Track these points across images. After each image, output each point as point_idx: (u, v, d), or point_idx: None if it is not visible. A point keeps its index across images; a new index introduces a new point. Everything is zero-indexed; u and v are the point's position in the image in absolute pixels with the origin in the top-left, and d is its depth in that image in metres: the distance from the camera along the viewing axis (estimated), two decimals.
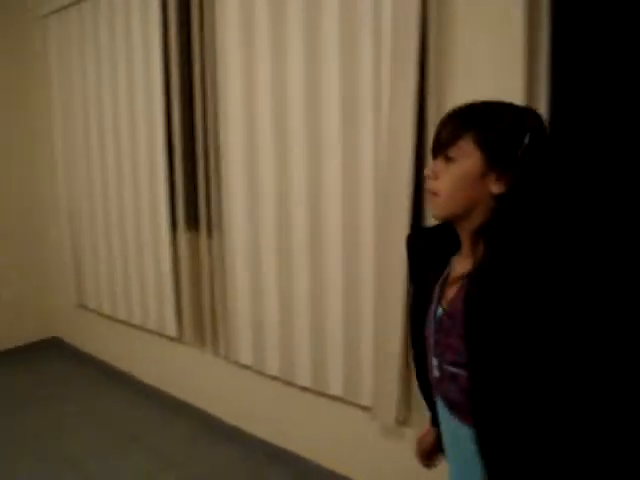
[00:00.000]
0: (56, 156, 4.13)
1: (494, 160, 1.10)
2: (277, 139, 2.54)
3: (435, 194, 1.16)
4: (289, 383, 2.74)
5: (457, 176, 1.12)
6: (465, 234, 1.18)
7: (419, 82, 2.01)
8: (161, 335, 3.44)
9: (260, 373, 2.89)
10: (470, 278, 1.13)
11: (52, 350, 4.58)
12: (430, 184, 1.17)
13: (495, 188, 1.10)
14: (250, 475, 2.85)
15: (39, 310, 4.60)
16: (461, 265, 1.20)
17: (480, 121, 1.12)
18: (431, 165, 1.18)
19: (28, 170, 4.46)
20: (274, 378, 2.82)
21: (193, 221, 3.11)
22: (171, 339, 3.39)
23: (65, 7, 3.76)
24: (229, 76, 2.72)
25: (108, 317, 3.89)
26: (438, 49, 2.01)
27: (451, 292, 1.19)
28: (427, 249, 1.31)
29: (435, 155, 1.17)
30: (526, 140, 1.08)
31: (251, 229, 2.74)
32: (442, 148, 1.15)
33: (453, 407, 1.22)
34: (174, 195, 3.15)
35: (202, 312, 3.14)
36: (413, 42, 1.98)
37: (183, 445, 3.13)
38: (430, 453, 1.51)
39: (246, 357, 2.91)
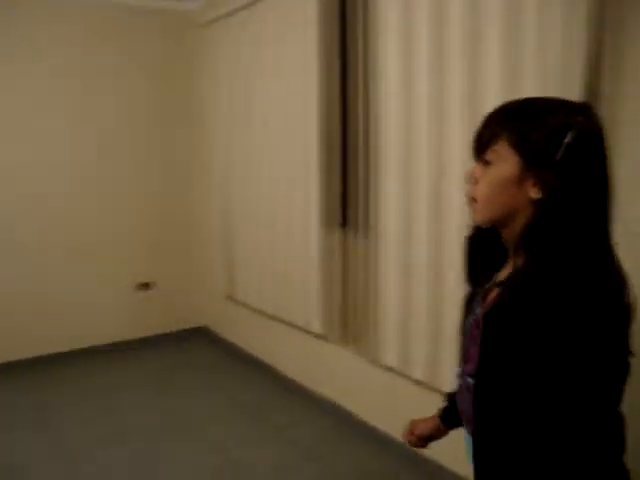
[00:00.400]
0: (214, 154, 4.38)
1: (531, 163, 1.01)
2: (433, 142, 2.50)
3: (473, 199, 1.10)
4: (434, 389, 2.71)
5: (493, 181, 1.05)
6: (507, 240, 1.11)
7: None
8: (307, 332, 3.52)
9: (404, 376, 2.87)
10: (502, 286, 1.08)
11: (200, 339, 4.85)
12: (468, 189, 1.11)
13: (533, 193, 1.02)
14: (386, 476, 2.87)
15: (191, 300, 4.89)
16: (504, 272, 1.13)
17: (516, 121, 1.04)
18: (470, 169, 1.12)
19: (186, 168, 4.75)
20: (418, 382, 2.79)
21: (344, 220, 3.16)
22: (316, 336, 3.46)
23: (228, 14, 3.95)
24: (385, 78, 2.71)
25: (255, 310, 4.05)
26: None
27: (489, 299, 1.13)
28: (484, 251, 1.22)
29: (475, 158, 1.11)
30: (567, 140, 0.98)
31: (403, 230, 2.72)
32: (479, 151, 1.09)
33: (465, 419, 1.21)
34: (326, 194, 3.22)
35: (348, 311, 3.18)
36: (580, 61, 1.90)
37: (325, 440, 3.19)
38: (422, 439, 1.51)
39: (391, 359, 2.90)
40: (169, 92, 4.58)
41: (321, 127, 3.18)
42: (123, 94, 4.37)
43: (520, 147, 1.02)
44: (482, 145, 1.08)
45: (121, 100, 4.37)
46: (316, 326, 3.38)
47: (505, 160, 1.04)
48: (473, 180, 1.10)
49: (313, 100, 3.19)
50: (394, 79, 2.66)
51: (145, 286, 4.65)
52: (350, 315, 3.16)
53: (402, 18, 2.58)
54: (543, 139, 1.00)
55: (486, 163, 1.07)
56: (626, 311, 0.97)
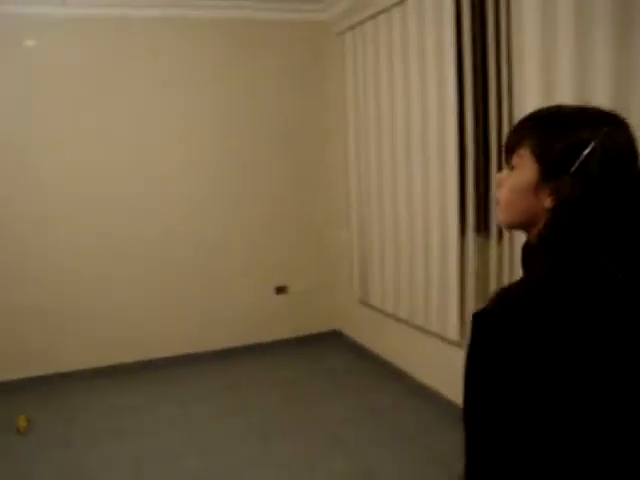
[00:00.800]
0: (348, 160, 4.45)
1: (549, 172, 1.01)
2: None
3: (497, 202, 1.13)
4: None
5: (514, 186, 1.07)
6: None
7: None
8: (442, 338, 3.49)
9: None
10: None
11: (333, 342, 4.93)
12: (496, 192, 1.15)
13: (547, 202, 1.02)
14: None
15: (325, 304, 5.01)
16: None
17: (541, 129, 1.04)
18: (500, 172, 1.15)
19: (322, 175, 4.88)
20: None
21: (483, 225, 3.11)
22: (451, 343, 3.42)
23: (361, 22, 4.03)
24: (525, 80, 2.62)
25: (389, 315, 4.07)
26: None
27: None
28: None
29: (505, 162, 1.13)
30: (585, 153, 0.97)
31: None
32: (506, 155, 1.11)
33: None
34: (464, 198, 3.18)
35: None
36: None
37: (459, 449, 3.14)
38: None
39: None
40: (304, 100, 4.73)
41: (458, 132, 3.15)
42: (257, 102, 4.58)
43: (540, 155, 1.03)
44: (509, 150, 1.10)
45: (254, 108, 4.58)
46: (452, 333, 3.34)
47: (526, 167, 1.05)
48: (499, 183, 1.13)
49: (450, 100, 3.16)
50: (534, 83, 2.57)
51: (282, 289, 4.82)
52: None
53: (543, 20, 2.50)
54: (562, 149, 1.00)
55: (512, 168, 1.09)
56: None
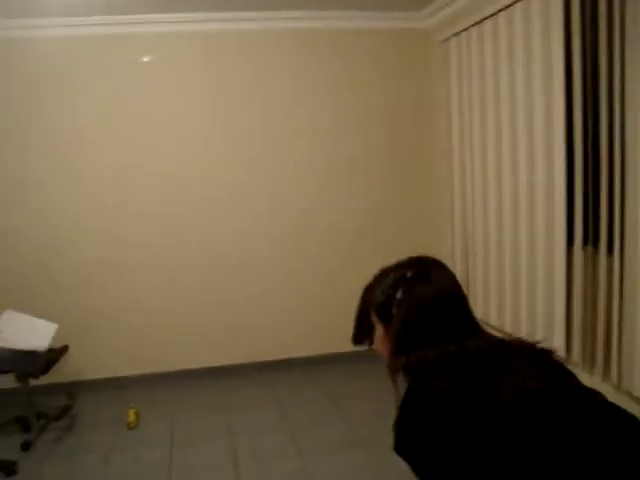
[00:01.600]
0: (453, 170, 4.43)
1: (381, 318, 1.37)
2: None
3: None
4: None
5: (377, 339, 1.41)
6: None
7: None
8: None
9: None
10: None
11: None
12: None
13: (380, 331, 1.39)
14: None
15: None
16: None
17: (372, 295, 1.41)
18: None
19: (425, 185, 4.88)
20: None
21: (592, 237, 3.01)
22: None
23: (466, 29, 4.02)
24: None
25: (493, 327, 4.01)
26: None
27: None
28: None
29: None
30: (398, 296, 1.32)
31: None
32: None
33: None
34: (572, 209, 3.08)
35: (595, 334, 3.00)
36: None
37: None
38: None
39: (638, 387, 2.70)
40: (406, 105, 4.77)
41: (566, 143, 3.07)
42: (364, 109, 4.69)
43: (376, 312, 1.39)
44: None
45: (361, 115, 4.69)
46: (558, 346, 3.25)
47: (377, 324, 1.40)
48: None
49: (558, 113, 3.10)
50: None
51: None
52: (598, 338, 2.97)
53: None
54: (381, 294, 1.36)
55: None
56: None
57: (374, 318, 1.38)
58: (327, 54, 4.60)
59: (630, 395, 2.76)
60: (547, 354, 1.34)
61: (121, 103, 4.34)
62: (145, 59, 4.29)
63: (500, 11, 3.55)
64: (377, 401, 3.98)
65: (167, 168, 4.46)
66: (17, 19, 3.97)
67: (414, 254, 1.47)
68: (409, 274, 1.34)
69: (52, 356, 3.78)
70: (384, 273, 1.40)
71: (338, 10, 4.44)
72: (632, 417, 1.24)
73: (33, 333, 3.71)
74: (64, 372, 3.93)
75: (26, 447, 3.55)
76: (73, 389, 4.17)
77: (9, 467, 3.29)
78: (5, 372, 3.64)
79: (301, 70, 4.58)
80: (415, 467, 1.21)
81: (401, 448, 1.24)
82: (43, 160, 4.28)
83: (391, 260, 1.48)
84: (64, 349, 3.92)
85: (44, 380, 3.74)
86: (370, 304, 1.39)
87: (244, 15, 4.32)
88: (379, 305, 1.35)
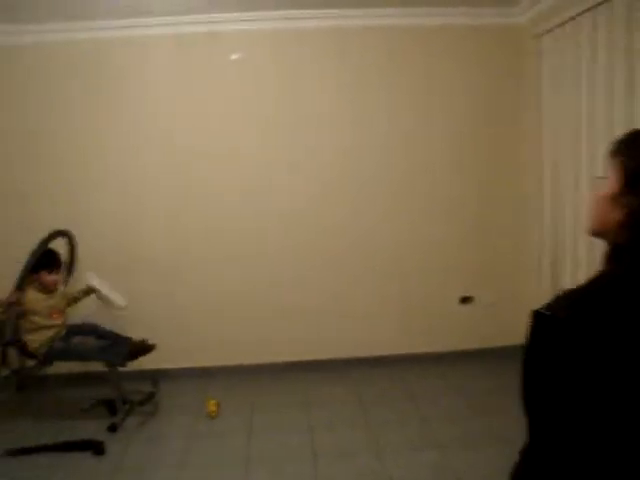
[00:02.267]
0: (544, 168, 4.31)
1: (628, 186, 1.04)
2: None
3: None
4: None
5: (598, 196, 1.11)
6: None
7: None
8: None
9: None
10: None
11: (517, 358, 4.74)
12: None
13: (617, 215, 1.05)
14: None
15: (511, 317, 4.85)
16: None
17: (634, 146, 1.07)
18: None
19: (516, 185, 4.76)
20: None
21: None
22: None
23: (562, 24, 3.88)
24: None
25: None
26: None
27: None
28: None
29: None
30: None
31: None
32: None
33: None
34: None
35: None
36: None
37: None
38: None
39: None
40: (498, 101, 4.67)
41: None
42: (455, 110, 4.63)
43: (625, 169, 1.06)
44: (606, 161, 1.13)
45: (451, 117, 4.63)
46: None
47: (610, 179, 1.08)
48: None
49: None
50: None
51: (467, 300, 4.78)
52: None
53: None
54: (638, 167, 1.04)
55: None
56: None
57: (618, 174, 1.08)
58: (417, 53, 4.56)
59: None
60: None
61: (214, 101, 4.48)
62: (234, 57, 4.38)
63: (598, 5, 3.41)
64: (455, 403, 3.94)
65: (266, 162, 4.59)
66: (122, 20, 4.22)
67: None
68: None
69: (140, 347, 3.94)
70: None
71: (429, 7, 4.40)
72: None
73: (114, 293, 4.01)
74: (150, 360, 4.07)
75: (113, 429, 3.71)
76: (158, 377, 4.30)
77: (98, 447, 3.45)
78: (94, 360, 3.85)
79: (393, 69, 4.56)
80: (537, 370, 1.06)
81: (539, 325, 1.06)
82: (150, 157, 4.51)
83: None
84: (151, 347, 4.03)
85: (131, 367, 3.90)
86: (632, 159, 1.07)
87: (345, 12, 4.37)
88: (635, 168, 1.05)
